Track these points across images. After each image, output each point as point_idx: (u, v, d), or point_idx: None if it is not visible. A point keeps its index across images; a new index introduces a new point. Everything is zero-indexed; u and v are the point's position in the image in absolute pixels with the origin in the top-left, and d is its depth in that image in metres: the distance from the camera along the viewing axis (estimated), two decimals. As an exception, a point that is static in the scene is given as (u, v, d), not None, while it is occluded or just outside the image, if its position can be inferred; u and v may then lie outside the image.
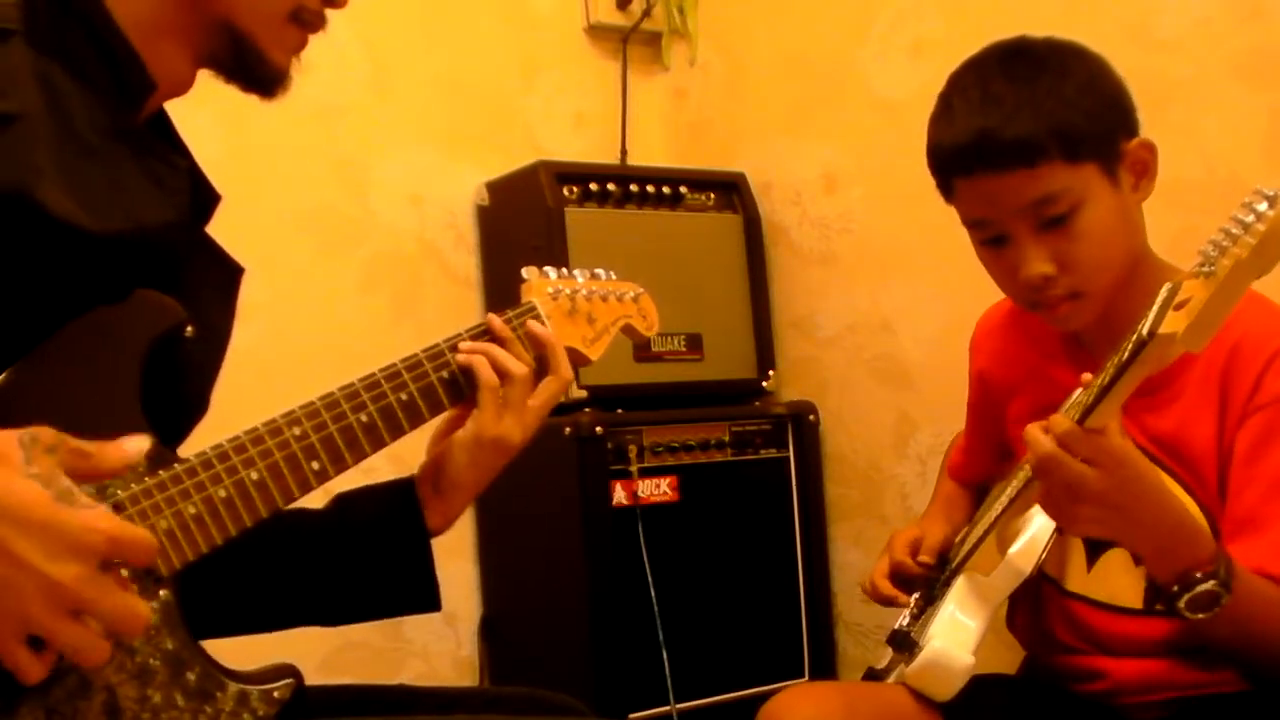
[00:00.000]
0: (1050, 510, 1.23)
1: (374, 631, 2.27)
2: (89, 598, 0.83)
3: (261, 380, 1.97)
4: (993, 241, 1.35)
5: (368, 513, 1.18)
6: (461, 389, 1.15)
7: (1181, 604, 1.18)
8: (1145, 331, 1.07)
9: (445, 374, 1.14)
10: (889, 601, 1.51)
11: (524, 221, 2.30)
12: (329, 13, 1.10)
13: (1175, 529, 1.19)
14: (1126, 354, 1.10)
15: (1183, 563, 1.19)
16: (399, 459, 1.23)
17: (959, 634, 1.35)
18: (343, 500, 1.20)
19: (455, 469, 1.17)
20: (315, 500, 1.12)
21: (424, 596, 1.18)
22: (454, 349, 1.15)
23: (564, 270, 1.29)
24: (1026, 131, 1.27)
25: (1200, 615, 1.18)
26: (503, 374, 1.14)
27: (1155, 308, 1.08)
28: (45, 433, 0.84)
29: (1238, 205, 0.99)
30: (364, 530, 1.18)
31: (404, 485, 1.20)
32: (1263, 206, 0.97)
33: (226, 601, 1.10)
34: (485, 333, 1.18)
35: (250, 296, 2.11)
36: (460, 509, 1.19)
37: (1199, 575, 1.17)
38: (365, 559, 1.17)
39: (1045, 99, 1.28)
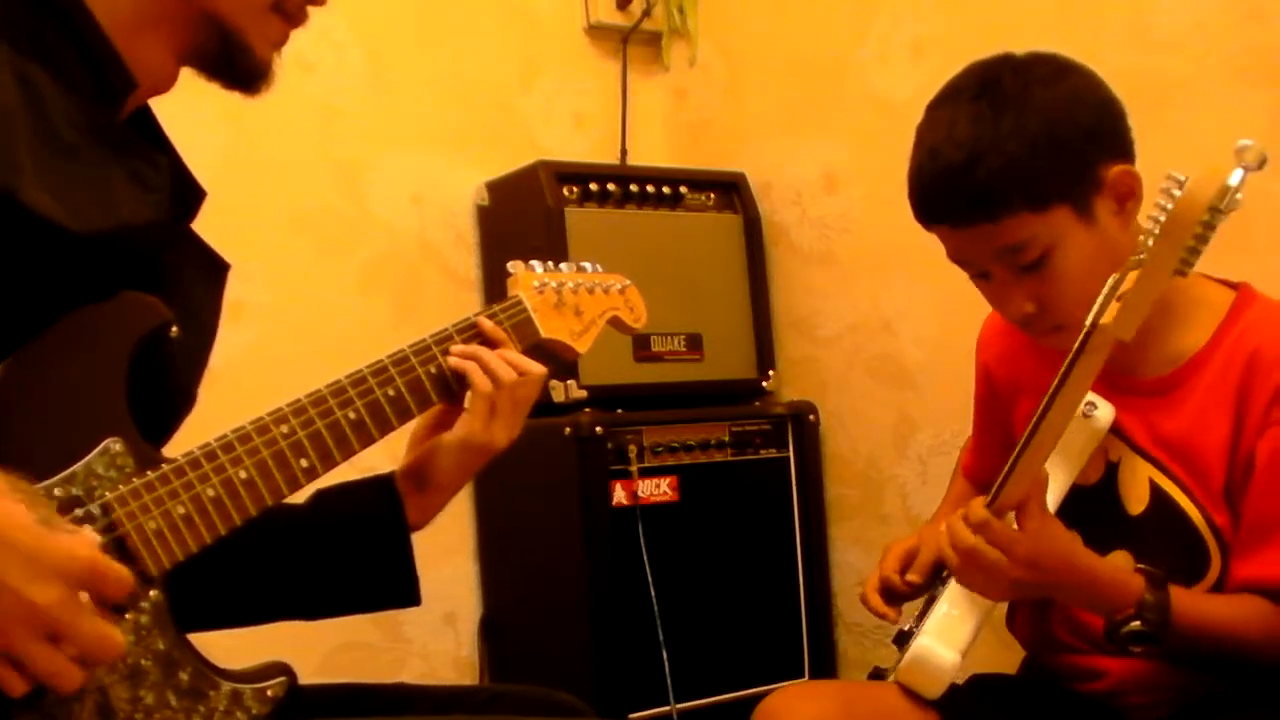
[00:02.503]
0: (973, 589, 1.31)
1: (374, 631, 2.27)
2: (66, 623, 0.82)
3: (261, 381, 1.96)
4: (977, 277, 1.36)
5: (349, 508, 1.19)
6: (449, 385, 1.15)
7: (1120, 641, 1.24)
8: (1089, 322, 1.11)
9: (433, 368, 1.14)
10: (881, 615, 1.51)
11: (524, 221, 2.30)
12: (314, 12, 1.09)
13: (1092, 586, 1.26)
14: (1076, 345, 1.13)
15: (1106, 609, 1.25)
16: (397, 457, 1.23)
17: (948, 632, 1.35)
18: (323, 496, 1.20)
19: (439, 471, 1.18)
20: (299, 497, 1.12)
21: (404, 591, 1.19)
22: (440, 344, 1.16)
23: (550, 263, 1.29)
24: (987, 183, 1.25)
25: (1140, 650, 1.23)
26: (495, 379, 1.15)
27: (1101, 298, 1.12)
28: None
29: (1158, 192, 1.04)
30: (346, 525, 1.18)
31: (384, 481, 1.20)
32: (1177, 192, 1.03)
33: (207, 594, 1.10)
34: (472, 328, 1.18)
35: (250, 297, 2.14)
36: (439, 507, 1.21)
37: (1124, 617, 1.23)
38: (347, 553, 1.18)
39: (1009, 142, 1.24)
